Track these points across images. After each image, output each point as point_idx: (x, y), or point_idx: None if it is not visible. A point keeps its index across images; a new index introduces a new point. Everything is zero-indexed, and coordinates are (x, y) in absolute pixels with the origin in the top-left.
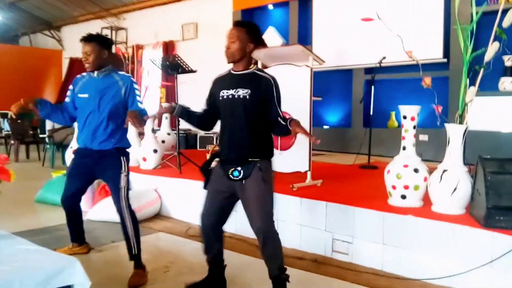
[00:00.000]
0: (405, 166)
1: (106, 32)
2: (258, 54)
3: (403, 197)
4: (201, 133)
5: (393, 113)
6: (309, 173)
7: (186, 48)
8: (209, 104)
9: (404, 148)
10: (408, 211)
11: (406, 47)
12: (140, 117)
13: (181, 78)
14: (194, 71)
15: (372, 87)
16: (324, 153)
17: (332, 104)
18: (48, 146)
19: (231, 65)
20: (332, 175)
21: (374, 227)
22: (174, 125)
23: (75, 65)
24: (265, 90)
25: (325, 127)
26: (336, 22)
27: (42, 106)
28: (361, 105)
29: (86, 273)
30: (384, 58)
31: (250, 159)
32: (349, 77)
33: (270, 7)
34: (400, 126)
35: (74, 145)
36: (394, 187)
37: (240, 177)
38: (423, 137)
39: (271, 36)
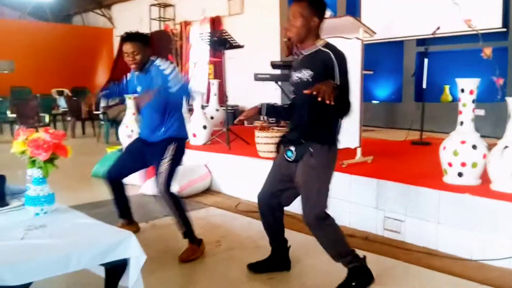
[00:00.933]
0: (463, 142)
1: (154, 10)
2: None
3: (460, 174)
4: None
5: (446, 87)
6: (359, 150)
7: (232, 23)
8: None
9: (461, 124)
10: (465, 190)
11: (463, 15)
12: (145, 97)
13: (228, 53)
14: (242, 46)
15: (425, 59)
16: (374, 128)
17: (382, 78)
18: (102, 122)
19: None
20: (383, 151)
21: (428, 206)
22: (222, 101)
23: None
24: (327, 69)
25: (374, 102)
26: None
27: (104, 99)
28: (413, 78)
29: (141, 247)
30: (438, 28)
31: (304, 141)
32: (399, 49)
33: None
34: (454, 100)
35: (127, 121)
36: (450, 164)
37: (293, 158)
38: (480, 112)
39: None
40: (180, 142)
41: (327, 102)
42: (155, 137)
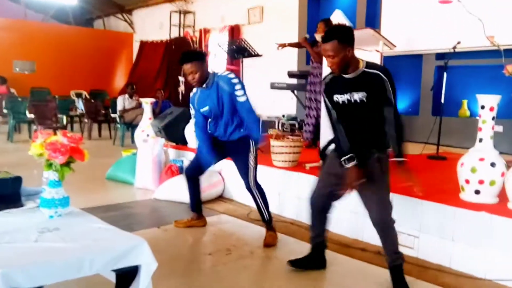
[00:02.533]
0: (481, 159)
1: (175, 16)
2: None
3: (477, 192)
4: (263, 117)
5: (465, 102)
6: None
7: (251, 32)
8: (331, 111)
9: (480, 140)
10: (482, 208)
11: (486, 32)
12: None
13: (246, 62)
14: (260, 55)
15: (445, 73)
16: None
17: (400, 90)
18: (118, 125)
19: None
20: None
21: (443, 222)
22: None
23: (145, 48)
24: (379, 87)
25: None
26: (409, 4)
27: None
28: (431, 92)
29: (153, 254)
30: (459, 43)
31: (367, 152)
32: (418, 63)
33: None
34: (472, 115)
35: (143, 125)
36: (467, 181)
37: (354, 165)
38: (498, 128)
39: (338, 19)
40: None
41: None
42: (233, 136)
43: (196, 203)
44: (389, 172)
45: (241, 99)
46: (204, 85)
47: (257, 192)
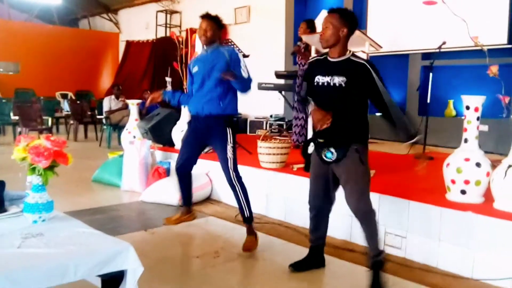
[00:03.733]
0: (467, 159)
1: (161, 16)
2: (311, 38)
3: (463, 192)
4: (251, 117)
5: (450, 101)
6: None
7: (238, 32)
8: (309, 86)
9: (465, 141)
10: (468, 207)
11: (470, 32)
12: (232, 73)
13: None
14: (247, 56)
15: (430, 73)
16: (376, 141)
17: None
18: (105, 127)
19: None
20: (385, 165)
21: (430, 223)
22: None
23: (131, 48)
24: (362, 76)
25: (378, 114)
26: (394, 5)
27: (168, 96)
28: (417, 92)
29: (139, 258)
30: (444, 43)
31: (344, 142)
32: (404, 63)
33: None
34: (458, 115)
35: (129, 127)
36: (453, 182)
37: (333, 158)
38: (483, 127)
39: None
40: (234, 123)
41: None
42: (213, 109)
43: (187, 198)
44: (368, 163)
45: (244, 74)
46: (206, 48)
47: (239, 187)
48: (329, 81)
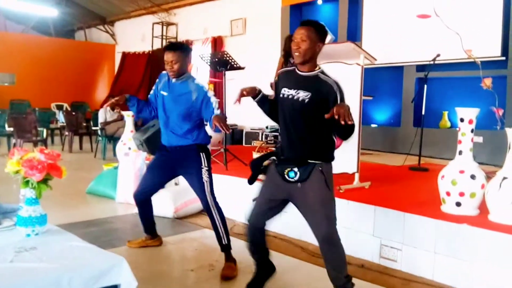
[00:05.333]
0: (461, 172)
1: (157, 27)
2: None
3: (458, 204)
4: (247, 128)
5: (445, 113)
6: (357, 175)
7: (234, 43)
8: (276, 95)
9: (460, 153)
10: (463, 220)
11: (464, 45)
12: (225, 120)
13: (229, 74)
14: (242, 68)
15: (425, 85)
16: (372, 152)
17: (381, 102)
18: (100, 138)
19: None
20: (381, 176)
21: (425, 235)
22: None
23: (127, 59)
24: (327, 96)
25: (373, 125)
26: (388, 18)
27: (132, 102)
28: (412, 103)
29: (133, 272)
30: (438, 55)
31: (309, 161)
32: (399, 75)
33: (319, 2)
34: (453, 126)
35: (124, 138)
36: (448, 194)
37: (296, 178)
38: (478, 139)
39: None
40: (207, 149)
41: (349, 122)
42: (183, 142)
43: (149, 225)
44: (333, 185)
45: (217, 112)
46: (176, 79)
47: (217, 212)
48: (294, 94)
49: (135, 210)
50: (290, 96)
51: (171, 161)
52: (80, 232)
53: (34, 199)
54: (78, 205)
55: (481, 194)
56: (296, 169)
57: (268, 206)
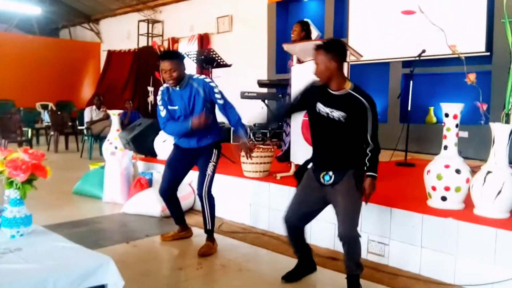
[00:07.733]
0: (446, 166)
1: (143, 25)
2: (293, 48)
3: (444, 199)
4: None
5: (431, 108)
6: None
7: (221, 41)
8: (296, 103)
9: (445, 148)
10: (449, 214)
11: (448, 41)
12: (251, 149)
13: (215, 72)
14: (229, 66)
15: (411, 81)
16: None
17: None
18: (86, 137)
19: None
20: None
21: (412, 229)
22: None
23: (113, 58)
24: (361, 114)
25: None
26: (374, 14)
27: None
28: (398, 99)
29: (119, 272)
30: (424, 51)
31: (343, 167)
32: (385, 71)
33: None
34: (438, 122)
35: (111, 138)
36: (434, 188)
37: (330, 182)
38: (463, 134)
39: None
40: (220, 146)
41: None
42: (200, 143)
43: (179, 218)
44: (362, 190)
45: (220, 101)
46: (178, 86)
47: (207, 202)
48: (328, 113)
49: (122, 209)
50: (326, 114)
51: (189, 155)
52: (66, 233)
53: (19, 200)
54: (64, 205)
55: (466, 188)
56: (331, 173)
57: (304, 209)
